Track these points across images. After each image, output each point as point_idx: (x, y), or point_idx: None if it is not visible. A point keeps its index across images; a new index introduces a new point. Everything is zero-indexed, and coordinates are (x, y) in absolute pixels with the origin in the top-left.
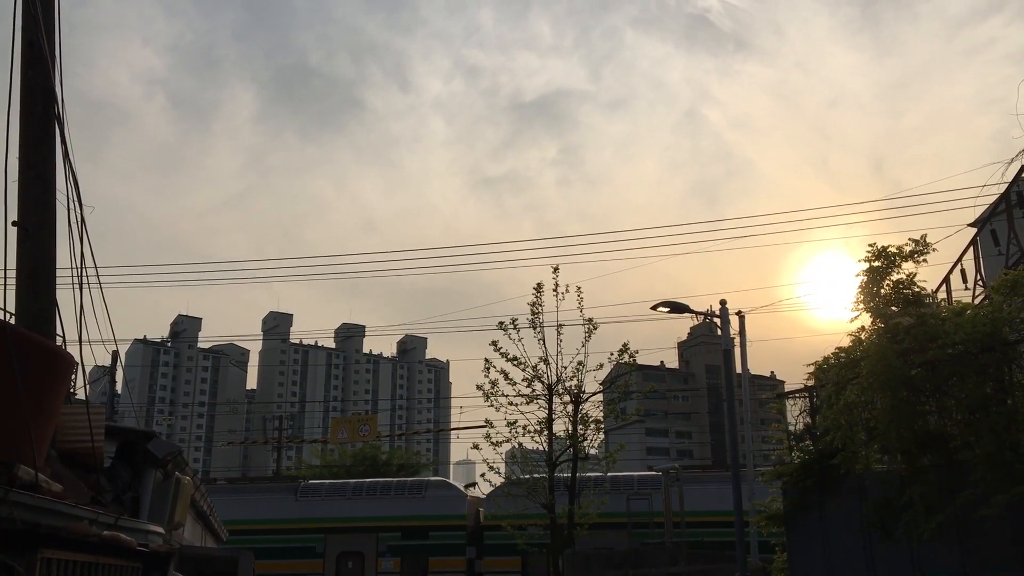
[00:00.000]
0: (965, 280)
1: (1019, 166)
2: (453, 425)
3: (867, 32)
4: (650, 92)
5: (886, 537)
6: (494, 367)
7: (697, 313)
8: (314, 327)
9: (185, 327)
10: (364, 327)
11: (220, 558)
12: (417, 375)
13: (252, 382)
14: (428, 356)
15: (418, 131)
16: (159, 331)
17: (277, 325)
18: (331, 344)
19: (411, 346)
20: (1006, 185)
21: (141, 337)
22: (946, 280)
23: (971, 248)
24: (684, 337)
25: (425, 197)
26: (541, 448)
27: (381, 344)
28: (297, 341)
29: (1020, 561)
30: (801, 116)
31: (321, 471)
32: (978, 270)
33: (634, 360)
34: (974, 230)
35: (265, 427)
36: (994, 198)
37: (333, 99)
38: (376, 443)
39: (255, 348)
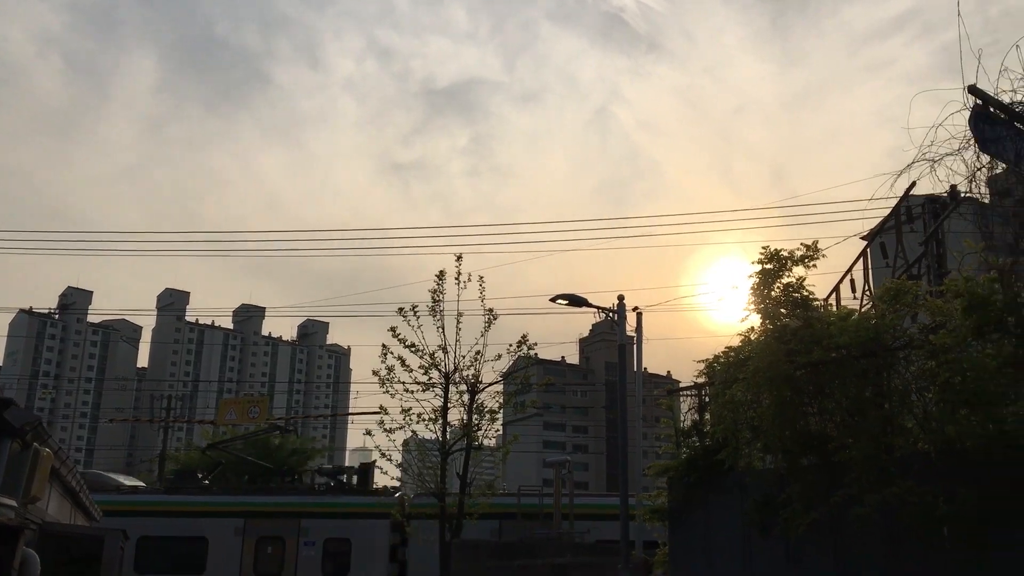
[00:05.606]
0: (854, 290)
1: (909, 182)
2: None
3: (776, 43)
4: (563, 87)
5: (764, 534)
6: (391, 353)
7: (595, 308)
8: (212, 306)
9: (75, 300)
10: (264, 309)
11: (86, 536)
12: (317, 360)
13: (143, 360)
14: (329, 341)
15: (327, 111)
16: (47, 302)
17: (173, 302)
18: (229, 325)
19: (312, 330)
20: (896, 199)
21: (27, 308)
22: (836, 289)
23: (861, 259)
24: (586, 334)
25: (331, 179)
26: (436, 437)
27: (281, 327)
28: (193, 320)
29: (889, 561)
30: (708, 121)
31: (213, 455)
32: (866, 281)
33: (534, 353)
34: (864, 242)
35: (153, 406)
36: (884, 212)
37: (239, 72)
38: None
39: (148, 325)
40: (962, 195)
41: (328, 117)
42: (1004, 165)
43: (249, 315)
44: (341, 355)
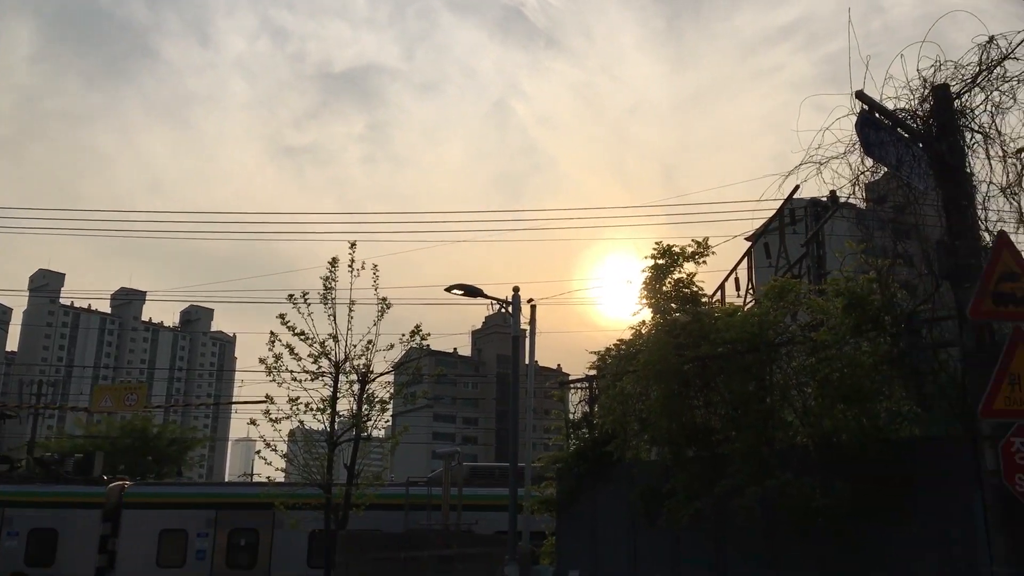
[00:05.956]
0: (738, 288)
1: (797, 183)
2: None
3: (670, 45)
4: (462, 78)
5: (650, 524)
6: (280, 341)
7: (490, 298)
8: (88, 289)
9: None
10: (145, 293)
11: None
12: (200, 348)
13: (13, 343)
14: (214, 328)
15: (216, 90)
16: None
17: (47, 284)
18: (106, 309)
19: (195, 316)
20: (780, 202)
21: None
22: (721, 287)
23: (745, 259)
24: (479, 325)
25: (219, 161)
26: (323, 427)
27: (163, 312)
28: (68, 302)
29: (768, 550)
30: (603, 119)
31: (85, 443)
32: (750, 279)
33: (427, 344)
34: (749, 243)
35: (22, 392)
36: (769, 213)
37: (123, 45)
38: (147, 415)
39: (19, 307)
40: (844, 199)
41: (217, 97)
42: (886, 169)
43: (128, 299)
44: (226, 343)
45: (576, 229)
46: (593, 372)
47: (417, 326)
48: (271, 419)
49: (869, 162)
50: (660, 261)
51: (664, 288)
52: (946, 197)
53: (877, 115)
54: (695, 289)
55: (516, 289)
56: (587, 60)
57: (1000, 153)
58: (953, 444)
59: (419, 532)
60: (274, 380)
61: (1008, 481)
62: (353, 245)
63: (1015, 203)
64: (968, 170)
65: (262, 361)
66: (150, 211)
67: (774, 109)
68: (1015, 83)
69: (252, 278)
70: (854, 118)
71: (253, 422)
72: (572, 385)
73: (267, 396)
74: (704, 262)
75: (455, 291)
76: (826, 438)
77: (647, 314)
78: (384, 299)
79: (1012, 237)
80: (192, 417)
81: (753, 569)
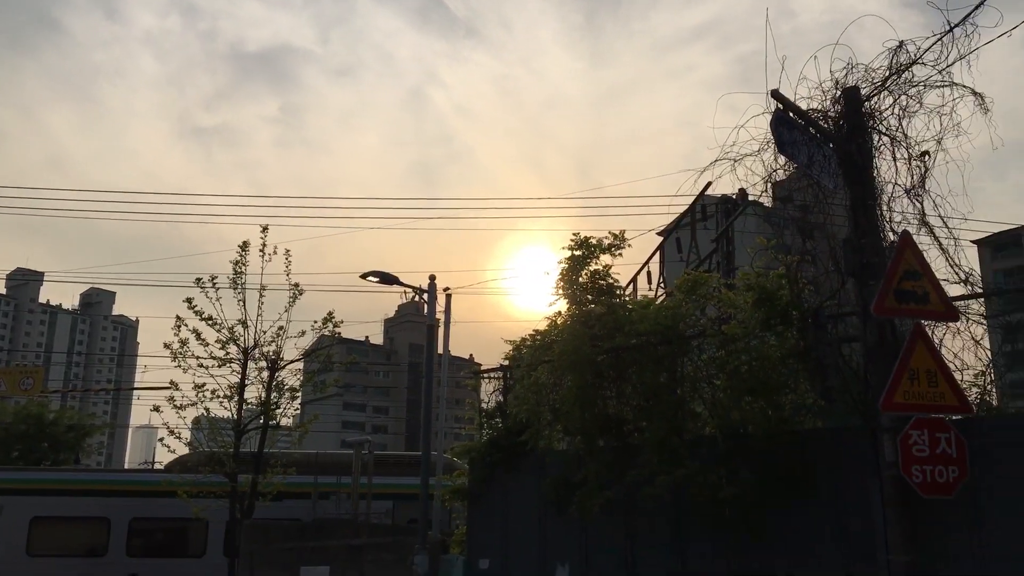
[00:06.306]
0: (650, 281)
1: (711, 179)
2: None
3: (588, 41)
4: (379, 65)
5: (560, 513)
6: (186, 326)
7: (405, 286)
8: None
9: None
10: (43, 274)
11: None
12: (101, 331)
13: None
14: (116, 312)
15: (123, 65)
16: None
17: None
18: (1, 290)
19: (96, 299)
20: (692, 199)
21: None
22: (633, 281)
23: (657, 253)
24: (391, 314)
25: (125, 139)
26: (230, 415)
27: (61, 294)
28: None
29: (677, 539)
30: (521, 111)
31: None
32: (662, 273)
33: (339, 331)
34: (660, 238)
35: None
36: (680, 209)
37: (24, 15)
38: (43, 400)
39: None
40: (755, 197)
41: (124, 72)
42: (797, 167)
43: (25, 280)
44: (128, 327)
45: (491, 220)
46: (507, 362)
47: (330, 313)
48: (175, 406)
49: (782, 160)
50: (577, 252)
51: (580, 279)
52: (853, 197)
53: (791, 114)
54: (611, 281)
55: (432, 277)
56: (506, 52)
57: (905, 155)
58: (854, 436)
59: (327, 521)
60: (179, 366)
61: (905, 472)
62: (265, 229)
63: (918, 204)
64: (875, 171)
65: (167, 346)
66: (50, 188)
67: (687, 108)
68: (922, 88)
69: (157, 260)
70: (769, 117)
71: (157, 409)
72: (486, 375)
73: (172, 382)
74: (620, 254)
75: (371, 278)
76: (734, 429)
77: (563, 305)
78: (296, 285)
79: (915, 237)
80: (91, 403)
81: (661, 557)
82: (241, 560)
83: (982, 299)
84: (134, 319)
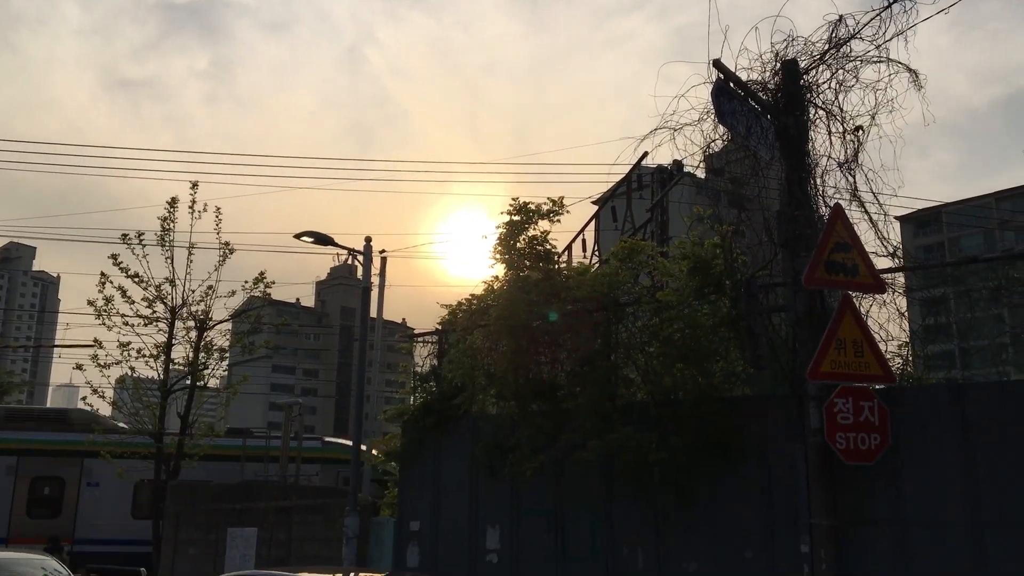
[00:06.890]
0: (585, 249)
1: (652, 148)
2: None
3: (528, 5)
4: (314, 20)
5: (492, 476)
6: (111, 283)
7: (341, 247)
8: None
9: None
10: None
11: None
12: (20, 288)
13: None
14: (36, 267)
15: (45, 12)
16: None
17: None
18: None
19: (16, 254)
20: (629, 168)
21: None
22: (568, 248)
23: (592, 222)
24: (323, 276)
25: (47, 90)
26: (156, 375)
27: None
28: None
29: (605, 503)
30: (458, 74)
31: None
32: (596, 241)
33: (269, 292)
34: (596, 206)
35: None
36: (617, 178)
37: None
38: None
39: None
40: (691, 168)
41: (47, 20)
42: (734, 138)
43: None
44: (49, 283)
45: (425, 183)
46: (442, 326)
47: (261, 273)
48: (99, 364)
49: (721, 130)
50: (516, 217)
51: (518, 245)
52: (788, 169)
53: (731, 85)
54: (548, 247)
55: (368, 239)
56: (444, 13)
57: (840, 130)
58: (782, 403)
59: (255, 483)
60: (104, 324)
61: (830, 439)
62: (195, 186)
63: (851, 178)
64: (810, 144)
65: (91, 303)
66: None
67: (626, 77)
68: (859, 62)
69: (80, 215)
70: (709, 87)
71: (79, 367)
72: (420, 339)
73: (95, 340)
74: (559, 220)
75: (305, 238)
76: (665, 395)
77: (500, 270)
78: (227, 244)
79: (847, 211)
80: (9, 361)
81: (591, 521)
82: (167, 521)
83: (907, 273)
84: (55, 275)
